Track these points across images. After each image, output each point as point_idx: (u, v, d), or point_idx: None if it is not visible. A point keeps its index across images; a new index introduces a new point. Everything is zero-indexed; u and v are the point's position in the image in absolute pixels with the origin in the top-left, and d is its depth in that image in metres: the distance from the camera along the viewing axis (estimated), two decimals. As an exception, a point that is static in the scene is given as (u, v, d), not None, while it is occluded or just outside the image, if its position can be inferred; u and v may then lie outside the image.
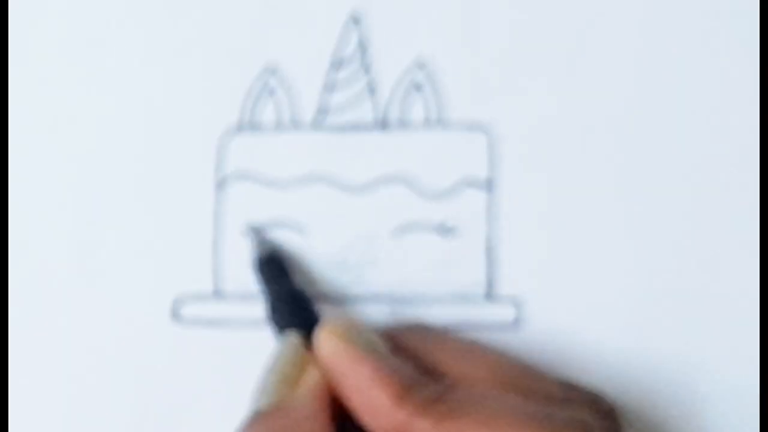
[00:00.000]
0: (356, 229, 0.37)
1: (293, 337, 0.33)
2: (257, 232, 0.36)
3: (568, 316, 0.36)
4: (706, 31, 0.36)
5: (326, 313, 0.34)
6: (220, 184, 0.38)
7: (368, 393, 0.30)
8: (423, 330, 0.34)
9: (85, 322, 0.38)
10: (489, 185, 0.37)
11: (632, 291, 0.36)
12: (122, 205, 0.38)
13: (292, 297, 0.35)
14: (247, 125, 0.38)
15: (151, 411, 0.37)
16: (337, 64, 0.37)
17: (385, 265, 0.37)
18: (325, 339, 0.32)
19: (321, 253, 0.37)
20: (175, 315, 0.37)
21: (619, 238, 0.36)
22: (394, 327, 0.34)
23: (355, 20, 0.37)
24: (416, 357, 0.32)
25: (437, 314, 0.36)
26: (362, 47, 0.37)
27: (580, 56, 0.37)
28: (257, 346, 0.36)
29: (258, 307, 0.36)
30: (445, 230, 0.37)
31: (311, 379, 0.31)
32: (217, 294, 0.37)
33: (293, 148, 0.37)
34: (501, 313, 0.36)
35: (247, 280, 0.37)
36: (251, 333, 0.37)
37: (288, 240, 0.37)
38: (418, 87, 0.37)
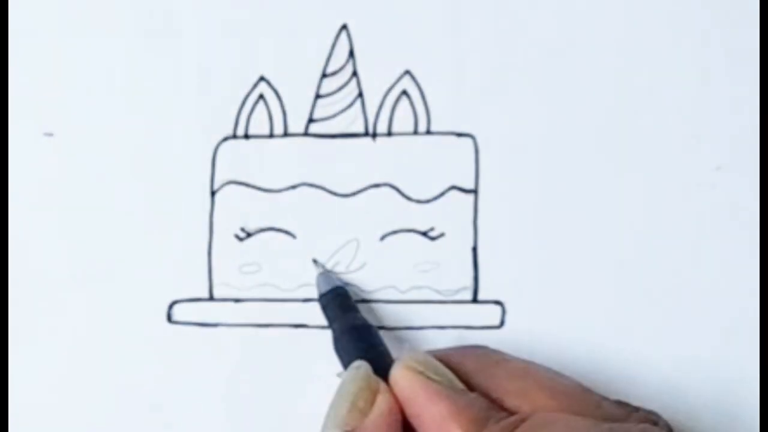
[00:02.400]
0: (346, 234, 0.38)
1: (364, 367, 0.33)
2: (322, 268, 0.37)
3: (553, 317, 0.36)
4: (695, 36, 0.37)
5: (391, 345, 0.35)
6: (215, 191, 0.38)
7: (444, 427, 0.31)
8: (481, 352, 0.34)
9: (83, 323, 0.38)
10: (475, 191, 0.37)
11: (617, 293, 0.36)
12: (120, 211, 0.39)
13: (358, 330, 0.35)
14: (242, 134, 0.39)
15: (147, 409, 0.38)
16: (327, 74, 0.38)
17: (374, 269, 0.37)
18: (401, 374, 0.32)
19: (312, 258, 0.38)
20: (171, 317, 0.38)
21: (603, 242, 0.36)
22: (452, 350, 0.34)
23: (346, 32, 0.38)
24: (476, 378, 0.33)
25: (424, 317, 0.37)
26: (352, 58, 0.38)
27: (565, 65, 0.37)
28: (249, 347, 0.37)
29: (249, 310, 0.37)
30: (432, 235, 0.37)
31: (381, 407, 0.32)
32: (211, 297, 0.38)
33: (285, 155, 0.38)
34: (487, 315, 0.37)
35: (239, 283, 0.38)
36: (243, 335, 0.37)
37: (279, 244, 0.38)
38: (406, 96, 0.38)
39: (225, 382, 0.37)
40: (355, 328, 0.35)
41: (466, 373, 0.33)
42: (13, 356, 0.38)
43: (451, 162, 0.37)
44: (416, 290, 0.37)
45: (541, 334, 0.36)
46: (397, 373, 0.32)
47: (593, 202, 0.37)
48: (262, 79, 0.38)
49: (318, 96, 0.38)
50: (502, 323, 0.37)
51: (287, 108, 0.38)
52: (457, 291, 0.37)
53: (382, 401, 0.32)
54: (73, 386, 0.38)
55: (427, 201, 0.37)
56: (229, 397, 0.37)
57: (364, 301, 0.37)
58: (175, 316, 0.38)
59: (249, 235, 0.38)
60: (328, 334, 0.37)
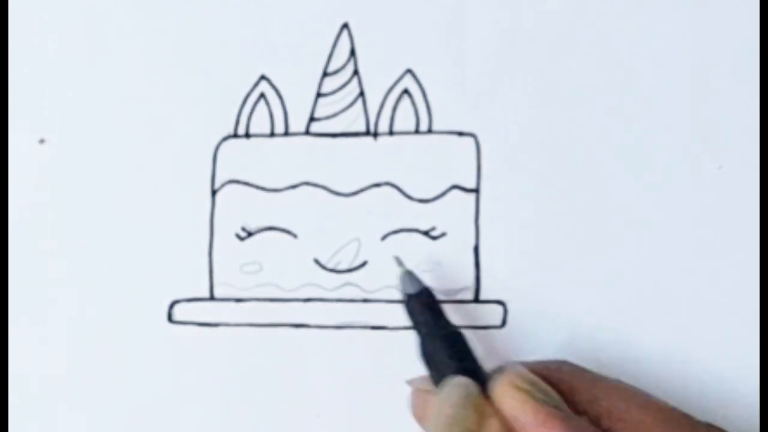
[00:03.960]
0: (347, 233, 0.38)
1: (473, 390, 0.32)
2: (405, 267, 0.36)
3: (555, 317, 0.36)
4: (696, 36, 0.37)
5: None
6: (216, 191, 0.38)
7: None
8: (572, 368, 0.34)
9: (84, 323, 0.38)
10: (476, 191, 0.37)
11: (618, 292, 0.36)
12: (121, 211, 0.39)
13: (451, 338, 0.34)
14: (242, 133, 0.38)
15: (147, 408, 0.38)
16: (329, 73, 0.38)
17: (375, 268, 0.37)
18: (509, 393, 0.32)
19: (313, 257, 0.38)
20: (171, 317, 0.38)
21: (605, 242, 0.36)
22: (539, 364, 0.34)
23: (347, 31, 0.38)
24: (574, 397, 0.32)
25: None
26: (353, 57, 0.38)
27: (566, 65, 0.37)
28: (249, 347, 0.37)
29: (249, 310, 0.37)
30: (433, 235, 0.37)
31: (492, 430, 0.31)
32: (212, 297, 0.38)
33: (287, 155, 0.38)
34: (488, 315, 0.37)
35: (240, 283, 0.38)
36: (243, 335, 0.37)
37: (280, 244, 0.38)
38: (407, 95, 0.38)
39: (225, 382, 0.37)
40: (448, 336, 0.34)
41: (565, 392, 0.32)
42: (13, 356, 0.38)
43: (452, 161, 0.37)
44: (418, 290, 0.37)
45: (543, 333, 0.36)
46: (504, 391, 0.32)
47: (595, 202, 0.36)
48: (263, 77, 0.38)
49: (319, 95, 0.38)
50: (503, 323, 0.36)
51: (288, 107, 0.38)
52: (459, 291, 0.37)
53: (492, 426, 0.31)
54: (74, 386, 0.38)
55: (429, 200, 0.37)
56: (229, 397, 0.37)
57: (366, 300, 0.37)
58: (176, 316, 0.38)
59: (250, 234, 0.38)
60: (328, 335, 0.37)
